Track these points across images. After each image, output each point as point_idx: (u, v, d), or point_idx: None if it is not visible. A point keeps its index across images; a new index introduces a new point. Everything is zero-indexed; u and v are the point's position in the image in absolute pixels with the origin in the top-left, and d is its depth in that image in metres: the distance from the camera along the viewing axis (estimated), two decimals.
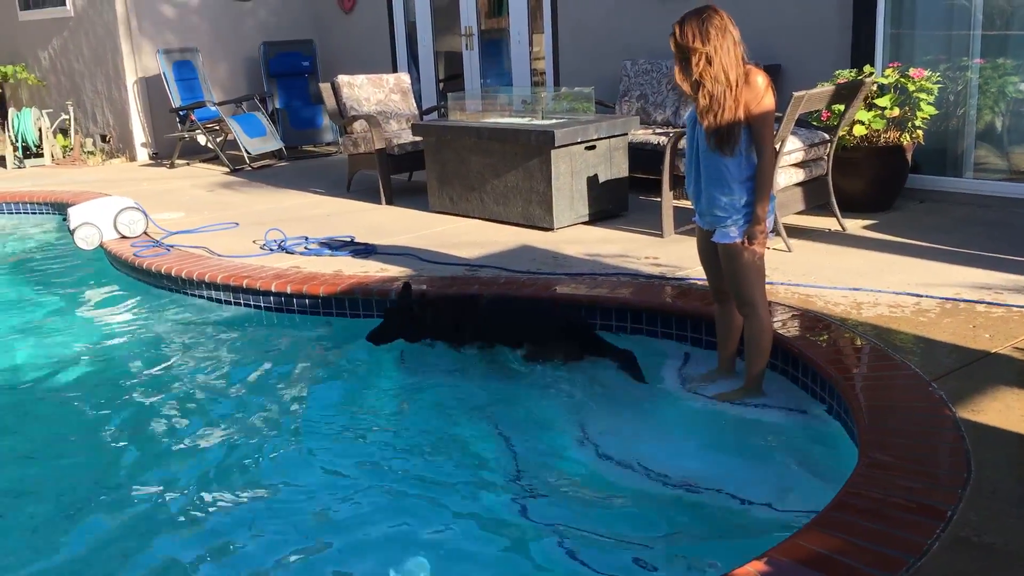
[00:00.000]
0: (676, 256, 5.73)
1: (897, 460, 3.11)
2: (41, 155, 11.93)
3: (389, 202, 8.13)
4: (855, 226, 6.30)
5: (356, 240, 6.69)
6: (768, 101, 3.66)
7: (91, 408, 4.66)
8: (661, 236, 6.34)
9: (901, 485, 2.95)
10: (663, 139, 7.23)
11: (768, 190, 3.74)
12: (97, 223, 7.17)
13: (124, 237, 7.17)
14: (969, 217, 6.41)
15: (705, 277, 4.24)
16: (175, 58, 11.20)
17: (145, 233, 7.25)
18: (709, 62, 3.60)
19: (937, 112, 6.57)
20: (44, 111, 12.12)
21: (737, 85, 3.62)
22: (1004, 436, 3.25)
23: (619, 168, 7.07)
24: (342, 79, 8.84)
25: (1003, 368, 3.83)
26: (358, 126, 8.53)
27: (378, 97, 9.00)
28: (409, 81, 9.46)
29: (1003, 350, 3.99)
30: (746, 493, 3.42)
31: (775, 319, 4.43)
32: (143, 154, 11.84)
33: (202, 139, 11.03)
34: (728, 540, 3.18)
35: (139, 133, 11.78)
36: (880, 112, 6.41)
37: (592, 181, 6.89)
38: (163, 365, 5.16)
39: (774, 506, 3.32)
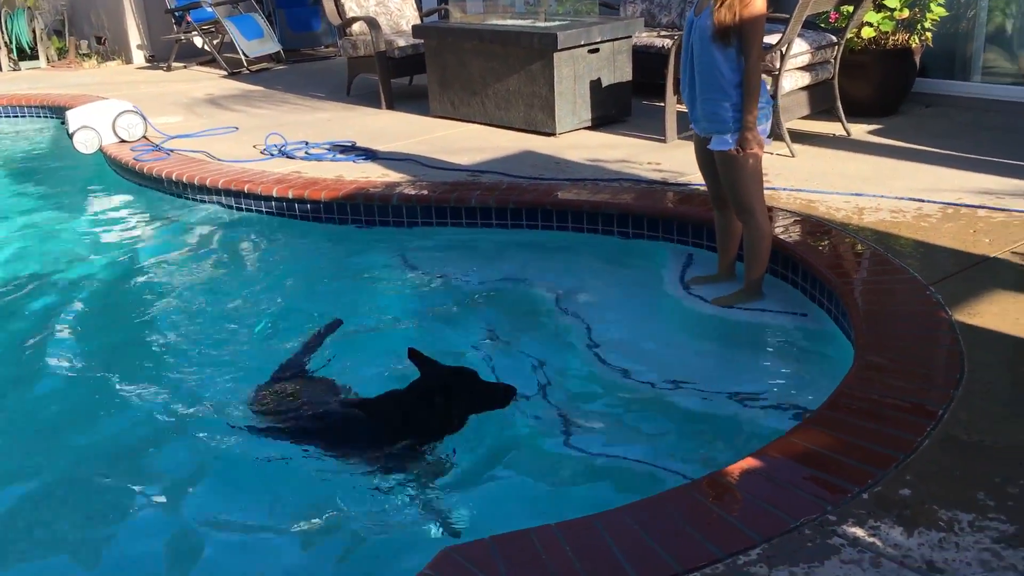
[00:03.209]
0: (678, 162, 5.70)
1: (892, 362, 3.16)
2: (36, 57, 11.74)
3: (390, 106, 8.05)
4: (860, 131, 6.24)
5: (357, 145, 6.64)
6: (760, 4, 3.62)
7: (91, 310, 4.71)
8: (664, 141, 6.29)
9: (895, 386, 3.01)
10: (668, 42, 7.11)
11: (755, 95, 3.71)
12: (96, 127, 7.11)
13: (123, 141, 7.12)
14: (975, 122, 6.35)
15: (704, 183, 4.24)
16: None
17: (144, 137, 7.20)
18: None
19: (947, 14, 6.44)
20: (38, 12, 11.87)
21: None
22: (999, 339, 3.30)
23: (623, 72, 6.97)
24: None
25: (1002, 272, 3.86)
26: (357, 28, 8.38)
27: None
28: None
29: (1002, 254, 4.01)
30: (743, 392, 3.50)
31: (776, 224, 4.44)
32: (139, 57, 11.65)
33: (199, 41, 10.84)
34: (724, 437, 3.27)
35: (134, 35, 11.57)
36: (889, 13, 6.28)
37: (595, 85, 6.80)
38: (163, 269, 5.20)
39: (771, 405, 3.40)
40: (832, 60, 6.16)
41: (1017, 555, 2.24)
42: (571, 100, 6.69)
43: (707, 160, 4.04)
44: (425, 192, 5.42)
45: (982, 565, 2.21)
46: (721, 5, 3.63)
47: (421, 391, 3.28)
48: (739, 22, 3.61)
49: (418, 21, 8.82)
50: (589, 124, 6.86)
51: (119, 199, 6.55)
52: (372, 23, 8.05)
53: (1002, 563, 2.21)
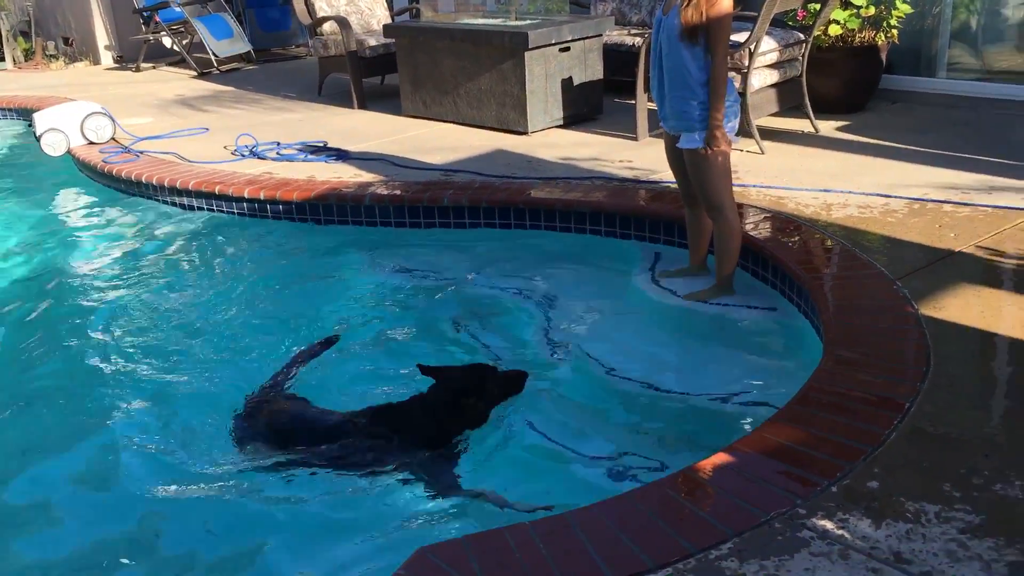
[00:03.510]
0: (650, 159, 5.74)
1: (860, 356, 3.21)
2: (2, 59, 11.60)
3: (361, 106, 8.03)
4: (828, 127, 6.31)
5: (329, 145, 6.63)
6: (726, 4, 3.65)
7: (59, 314, 4.67)
8: (635, 139, 6.33)
9: (863, 379, 3.05)
10: (638, 40, 7.14)
11: (721, 93, 3.74)
12: (64, 129, 7.04)
13: (92, 143, 7.06)
14: (941, 117, 6.43)
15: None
16: None
17: (113, 139, 7.14)
18: None
19: (912, 11, 6.53)
20: (3, 13, 11.73)
21: None
22: (963, 331, 3.36)
23: (594, 70, 7.00)
24: None
25: (966, 266, 3.92)
26: (328, 27, 8.35)
27: None
28: None
29: (967, 249, 4.08)
30: (714, 388, 3.53)
31: (746, 221, 4.48)
32: (107, 58, 11.55)
33: (168, 42, 10.76)
34: (695, 432, 3.31)
35: (102, 36, 11.46)
36: (856, 11, 6.35)
37: (567, 84, 6.82)
38: (133, 271, 5.17)
39: (741, 400, 3.44)
40: (800, 58, 6.23)
41: (982, 545, 2.28)
42: (543, 99, 6.71)
43: (677, 158, 4.07)
44: (398, 192, 5.42)
45: (948, 555, 2.25)
46: (688, 4, 3.66)
47: (452, 394, 3.29)
48: (706, 21, 3.64)
49: (389, 20, 8.81)
50: (561, 122, 6.88)
51: (88, 202, 6.50)
52: (343, 23, 8.03)
53: (968, 553, 2.26)
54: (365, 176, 5.83)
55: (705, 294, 4.15)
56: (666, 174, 4.82)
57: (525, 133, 6.70)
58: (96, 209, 6.34)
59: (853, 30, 6.40)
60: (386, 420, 3.33)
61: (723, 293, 4.13)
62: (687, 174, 4.03)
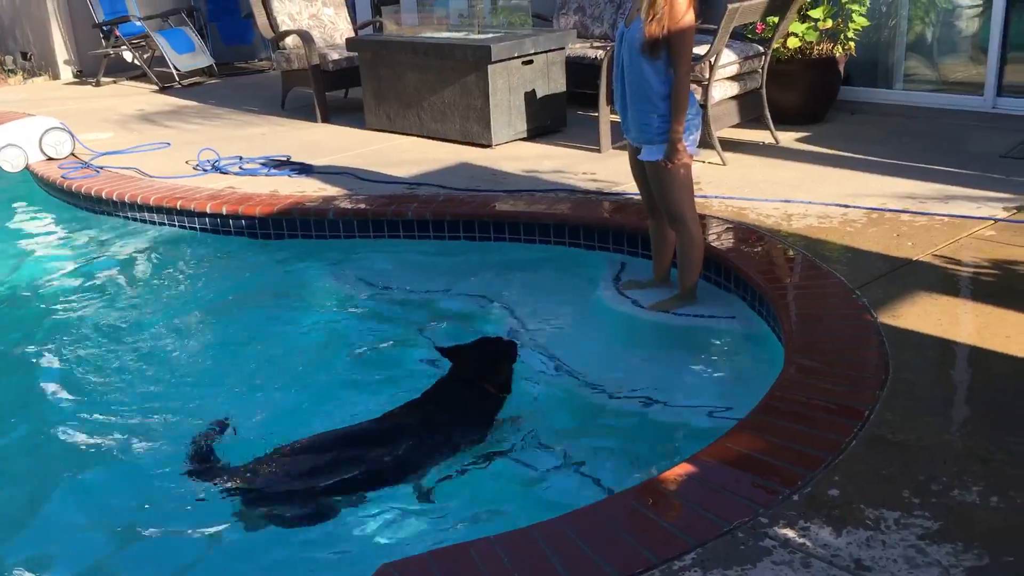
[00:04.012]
0: (613, 171, 5.77)
1: (820, 364, 3.24)
2: None
3: (325, 120, 8.00)
4: (788, 138, 6.39)
5: (292, 159, 6.60)
6: (688, 18, 3.68)
7: (14, 336, 4.59)
8: (599, 151, 6.36)
9: (823, 388, 3.09)
10: (600, 53, 7.19)
11: (683, 108, 3.77)
12: (22, 144, 6.94)
13: (51, 159, 6.96)
14: (898, 128, 6.54)
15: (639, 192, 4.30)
16: None
17: (72, 154, 7.05)
18: None
19: (869, 23, 6.63)
20: None
21: None
22: (921, 339, 3.41)
23: (557, 83, 7.04)
24: None
25: (923, 275, 3.98)
26: (291, 41, 8.32)
27: (310, 11, 8.76)
28: None
29: (924, 257, 4.14)
30: (677, 398, 3.56)
31: (709, 231, 4.52)
32: (66, 72, 11.40)
33: (128, 56, 10.65)
34: (659, 443, 3.32)
35: (61, 50, 11.31)
36: (813, 24, 6.45)
37: (530, 96, 6.85)
38: (93, 289, 5.10)
39: (704, 410, 3.46)
40: (759, 70, 6.30)
41: (941, 551, 2.31)
42: (506, 112, 6.73)
43: (640, 169, 4.10)
44: (362, 206, 5.41)
45: (907, 562, 2.28)
46: (651, 18, 3.68)
47: (476, 377, 3.54)
48: (668, 34, 3.67)
49: (352, 34, 8.79)
50: (525, 135, 6.90)
51: (47, 218, 6.41)
52: (306, 37, 8.01)
53: (927, 559, 2.28)
54: (329, 190, 5.81)
55: (668, 304, 4.17)
56: (629, 185, 4.85)
57: (489, 146, 6.72)
58: (55, 226, 6.26)
59: (811, 43, 6.50)
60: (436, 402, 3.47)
61: (686, 303, 4.16)
62: (650, 186, 4.06)
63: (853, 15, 6.49)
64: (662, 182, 3.93)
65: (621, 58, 3.90)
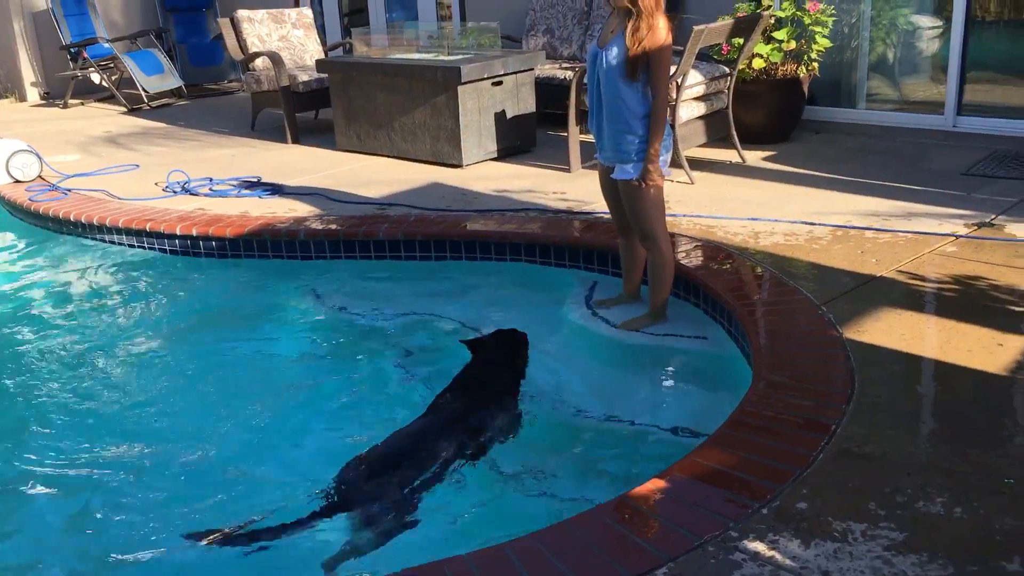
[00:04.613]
0: (583, 190, 5.83)
1: (787, 380, 3.29)
2: None
3: (295, 141, 8.01)
4: (754, 157, 6.49)
5: (263, 180, 6.59)
6: (668, 40, 3.74)
7: None
8: (568, 171, 6.42)
9: (791, 403, 3.13)
10: (569, 74, 7.27)
11: (660, 129, 3.83)
12: None
13: (18, 181, 6.92)
14: (862, 147, 6.66)
15: (609, 211, 4.35)
16: None
17: (40, 177, 7.00)
18: None
19: (832, 45, 6.76)
20: None
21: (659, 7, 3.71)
22: (886, 354, 3.47)
23: (526, 103, 7.10)
24: (241, 14, 8.59)
25: (887, 290, 4.05)
26: (260, 63, 8.33)
27: (280, 33, 8.78)
28: (312, 16, 9.25)
29: (888, 273, 4.22)
30: (647, 414, 3.59)
31: (678, 249, 4.58)
32: (33, 94, 11.33)
33: (96, 77, 10.61)
34: (630, 459, 3.35)
35: (28, 72, 11.25)
36: (778, 45, 6.56)
37: (500, 117, 6.90)
38: (61, 312, 5.06)
39: (674, 426, 3.50)
40: (726, 90, 6.40)
41: (906, 561, 2.35)
42: (476, 132, 6.78)
43: (611, 189, 4.14)
44: (333, 226, 5.42)
45: (874, 572, 2.32)
46: (635, 42, 3.71)
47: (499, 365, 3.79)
48: (648, 57, 3.71)
49: (322, 55, 8.82)
50: (495, 155, 6.95)
51: (14, 241, 6.35)
52: (275, 59, 8.02)
53: (893, 569, 2.32)
54: (300, 211, 5.81)
55: (639, 322, 4.21)
56: (599, 204, 4.91)
57: (460, 166, 6.75)
58: (22, 249, 6.20)
59: (776, 63, 6.61)
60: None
61: (656, 321, 4.20)
62: (621, 204, 4.10)
63: (816, 36, 6.61)
64: (634, 201, 3.97)
65: (596, 79, 3.93)
